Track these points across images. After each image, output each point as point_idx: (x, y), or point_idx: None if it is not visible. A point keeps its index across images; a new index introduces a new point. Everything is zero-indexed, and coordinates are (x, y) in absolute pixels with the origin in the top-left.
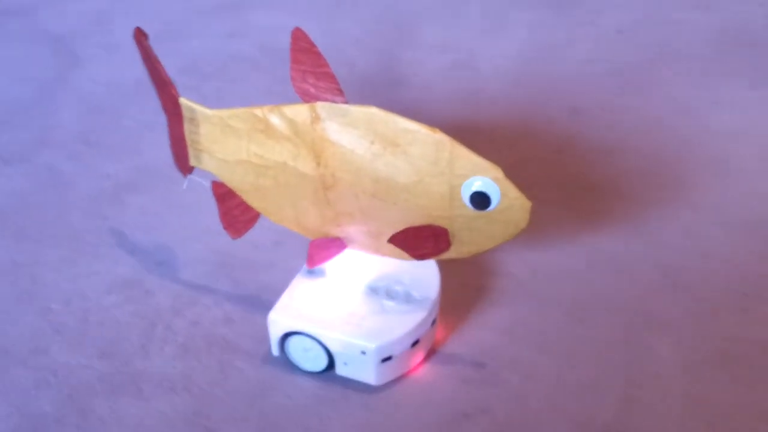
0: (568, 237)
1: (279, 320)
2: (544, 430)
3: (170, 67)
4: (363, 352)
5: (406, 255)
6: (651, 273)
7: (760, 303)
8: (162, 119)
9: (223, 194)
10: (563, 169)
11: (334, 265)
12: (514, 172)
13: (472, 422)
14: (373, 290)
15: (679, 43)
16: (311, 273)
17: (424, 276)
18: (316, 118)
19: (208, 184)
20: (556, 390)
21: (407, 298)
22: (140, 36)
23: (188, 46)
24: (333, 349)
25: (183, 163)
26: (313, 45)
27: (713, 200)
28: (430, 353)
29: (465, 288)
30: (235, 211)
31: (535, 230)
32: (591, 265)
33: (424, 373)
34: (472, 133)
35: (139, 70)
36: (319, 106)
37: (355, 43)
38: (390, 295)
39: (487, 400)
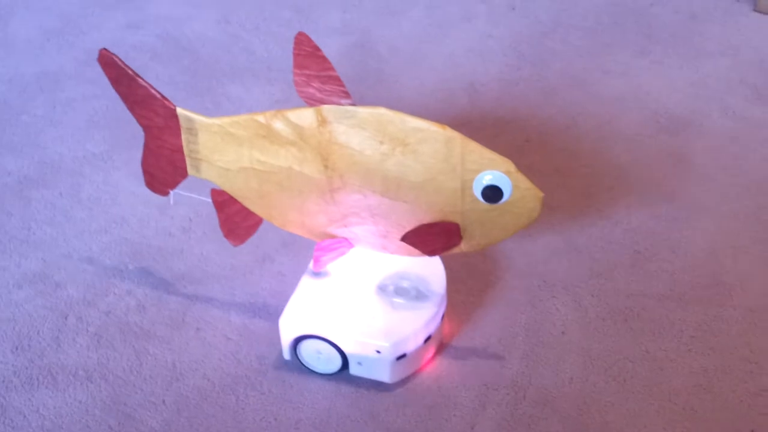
0: None
1: (290, 325)
2: (457, 394)
3: (69, 61)
4: (378, 351)
5: (414, 252)
6: (551, 237)
7: (652, 259)
8: (64, 114)
9: (223, 202)
10: None
11: (339, 266)
12: None
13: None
14: (381, 288)
15: (570, 17)
16: (316, 275)
17: (430, 271)
18: (322, 122)
19: (198, 197)
20: (465, 353)
21: (416, 295)
22: (108, 56)
23: (87, 39)
24: (347, 350)
25: (168, 179)
26: (317, 49)
27: (605, 164)
28: (440, 348)
29: None
30: (236, 218)
31: None
32: None
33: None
34: None
35: (37, 66)
36: (326, 109)
37: (254, 30)
38: (398, 292)
39: None
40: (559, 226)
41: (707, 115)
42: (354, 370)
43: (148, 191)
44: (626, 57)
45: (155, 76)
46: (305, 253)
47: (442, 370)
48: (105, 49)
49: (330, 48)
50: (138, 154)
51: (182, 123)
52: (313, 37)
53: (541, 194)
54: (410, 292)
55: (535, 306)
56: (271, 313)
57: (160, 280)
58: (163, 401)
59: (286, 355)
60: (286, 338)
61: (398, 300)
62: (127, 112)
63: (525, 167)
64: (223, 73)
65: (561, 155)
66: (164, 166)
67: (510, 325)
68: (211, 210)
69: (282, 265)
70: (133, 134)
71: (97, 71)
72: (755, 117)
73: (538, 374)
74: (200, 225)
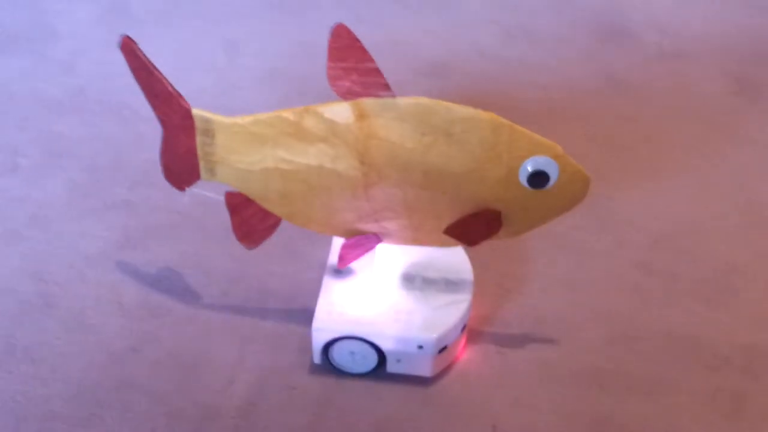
0: None
1: (325, 328)
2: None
3: None
4: (420, 347)
5: (449, 242)
6: None
7: None
8: None
9: (238, 204)
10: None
11: (360, 262)
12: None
13: None
14: (409, 281)
15: None
16: (339, 273)
17: (454, 257)
18: (360, 116)
19: (213, 196)
20: (224, 305)
21: (446, 284)
22: (129, 45)
23: None
24: (386, 348)
25: (183, 177)
26: (356, 40)
27: None
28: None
29: None
30: (252, 221)
31: None
32: None
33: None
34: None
35: None
36: (365, 102)
37: None
38: (427, 283)
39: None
40: None
41: (463, 58)
42: (392, 367)
43: None
44: (381, 5)
45: None
46: (57, 228)
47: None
48: (127, 36)
49: (79, 14)
50: None
51: (197, 124)
52: (62, 4)
53: (588, 177)
54: (439, 282)
55: (297, 255)
56: (20, 292)
57: None
58: None
59: (317, 359)
60: (320, 342)
61: (430, 291)
62: None
63: None
64: None
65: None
66: (179, 163)
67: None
68: None
69: (31, 241)
70: None
71: None
72: (505, 56)
73: (296, 321)
74: None
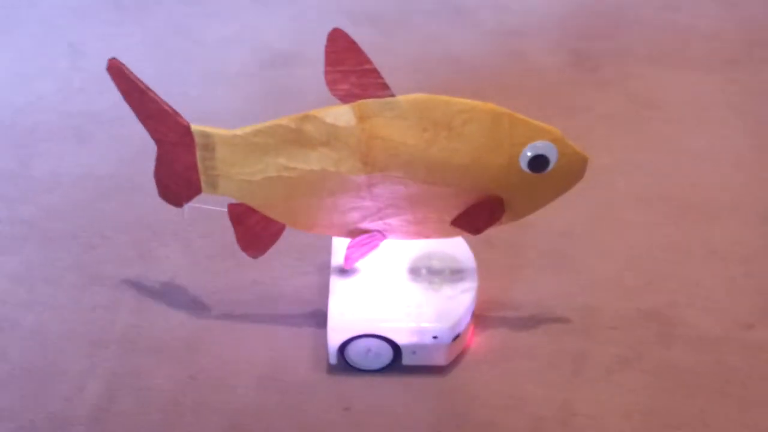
0: None
1: (340, 328)
2: (59, 358)
3: None
4: (435, 337)
5: (453, 233)
6: None
7: None
8: None
9: (241, 214)
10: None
11: (364, 259)
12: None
13: None
14: (414, 273)
15: None
16: (344, 274)
17: (454, 245)
18: (362, 117)
19: (211, 208)
20: (73, 313)
21: (451, 272)
22: (117, 66)
23: None
24: (401, 341)
25: (182, 194)
26: (353, 43)
27: (208, 105)
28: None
29: None
30: (256, 229)
31: None
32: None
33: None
34: None
35: None
36: (364, 104)
37: None
38: (433, 273)
39: None
40: None
41: (307, 47)
42: (407, 360)
43: None
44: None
45: None
46: None
47: None
48: (114, 58)
49: None
50: None
51: (197, 140)
52: None
53: (586, 157)
54: (444, 271)
55: (146, 258)
56: None
57: None
58: None
59: (333, 360)
60: (336, 343)
61: (436, 281)
62: None
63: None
64: None
65: (176, 101)
66: (177, 180)
67: (123, 280)
68: None
69: None
70: None
71: None
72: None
73: (148, 325)
74: None
